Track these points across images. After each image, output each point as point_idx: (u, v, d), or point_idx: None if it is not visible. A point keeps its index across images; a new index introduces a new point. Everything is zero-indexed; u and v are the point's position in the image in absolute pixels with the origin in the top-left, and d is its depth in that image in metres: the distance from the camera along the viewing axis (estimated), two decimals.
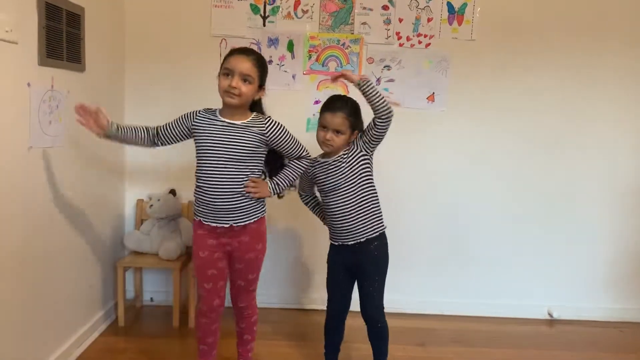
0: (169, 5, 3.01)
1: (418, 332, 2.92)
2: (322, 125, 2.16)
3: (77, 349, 2.55)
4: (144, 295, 3.23)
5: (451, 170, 3.17)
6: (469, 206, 3.21)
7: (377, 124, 2.09)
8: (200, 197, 2.05)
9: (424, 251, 3.22)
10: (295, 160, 2.17)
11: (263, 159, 2.11)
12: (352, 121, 2.14)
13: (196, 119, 2.07)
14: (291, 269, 3.26)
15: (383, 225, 2.22)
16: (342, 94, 2.50)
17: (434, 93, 3.10)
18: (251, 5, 3.02)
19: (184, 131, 2.09)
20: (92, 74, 2.58)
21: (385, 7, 3.04)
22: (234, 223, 2.04)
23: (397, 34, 3.07)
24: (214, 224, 2.05)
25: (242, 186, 2.02)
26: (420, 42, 3.07)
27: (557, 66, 3.09)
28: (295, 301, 3.27)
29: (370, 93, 2.06)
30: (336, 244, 2.25)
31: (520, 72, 3.10)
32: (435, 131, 3.14)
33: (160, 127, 2.13)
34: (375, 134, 2.12)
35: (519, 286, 3.26)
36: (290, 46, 3.06)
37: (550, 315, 3.27)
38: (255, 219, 2.10)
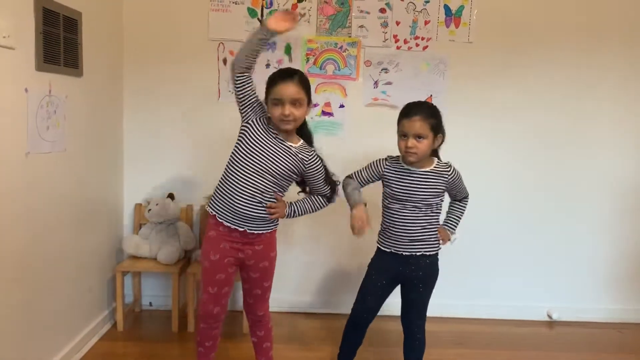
0: (166, 9, 3.02)
1: None
2: (402, 135, 2.09)
3: (77, 354, 2.54)
4: (142, 299, 3.23)
5: None
6: (468, 208, 3.19)
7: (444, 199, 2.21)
8: (224, 196, 2.03)
9: None
10: (318, 196, 2.20)
11: (295, 181, 2.15)
12: (432, 123, 2.05)
13: (256, 115, 2.05)
14: (299, 272, 3.26)
15: (439, 247, 2.23)
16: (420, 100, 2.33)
17: (431, 95, 3.11)
18: (248, 9, 3.03)
19: (253, 101, 2.03)
20: (90, 79, 2.58)
21: (382, 10, 3.05)
22: (248, 230, 2.04)
23: (395, 36, 3.07)
24: (229, 225, 2.03)
25: (266, 200, 2.03)
26: (417, 45, 3.07)
27: (555, 67, 3.10)
28: (303, 305, 3.27)
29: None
30: (387, 250, 2.20)
31: (518, 74, 3.10)
32: None
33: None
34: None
35: (518, 288, 3.26)
36: (288, 49, 3.07)
37: (549, 316, 3.27)
38: (270, 230, 2.11)
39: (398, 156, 2.20)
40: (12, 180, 1.99)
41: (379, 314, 2.29)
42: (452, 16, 3.06)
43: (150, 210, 2.96)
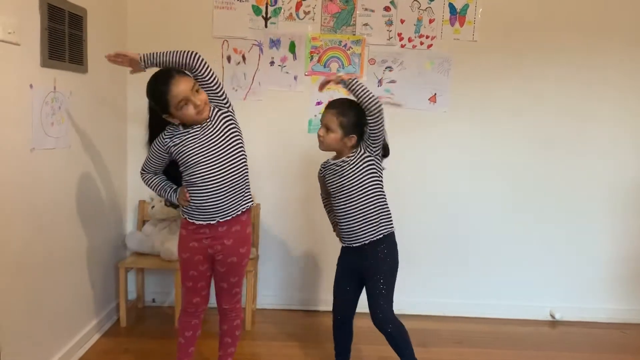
0: (170, 6, 3.02)
1: (420, 333, 2.91)
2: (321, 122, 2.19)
3: (79, 350, 2.55)
4: (145, 296, 3.24)
5: (453, 170, 3.17)
6: (470, 207, 3.20)
7: (369, 120, 2.07)
8: (192, 201, 2.04)
9: (425, 252, 3.22)
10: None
11: (241, 144, 2.06)
12: (342, 120, 2.10)
13: (166, 138, 2.05)
14: (298, 270, 3.27)
15: (390, 228, 2.20)
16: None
17: (435, 94, 3.10)
18: (253, 6, 3.03)
19: (163, 157, 2.08)
20: (94, 75, 2.59)
21: (387, 9, 3.05)
22: (221, 219, 2.04)
23: (399, 35, 3.07)
24: (200, 222, 2.05)
25: (229, 179, 2.01)
26: (422, 43, 3.07)
27: (559, 66, 3.09)
28: (302, 302, 3.27)
29: (356, 89, 2.04)
30: (343, 245, 2.27)
31: (522, 73, 3.09)
32: (437, 132, 3.14)
33: (144, 165, 2.15)
34: (370, 132, 2.10)
35: (521, 287, 3.25)
36: (292, 47, 3.07)
37: (552, 316, 3.26)
38: (242, 210, 2.07)
39: (328, 159, 2.27)
40: (17, 176, 2.00)
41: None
42: (456, 15, 3.05)
43: (153, 207, 2.97)
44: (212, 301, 2.24)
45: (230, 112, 2.08)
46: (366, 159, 2.14)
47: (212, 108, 2.03)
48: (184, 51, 2.01)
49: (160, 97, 1.94)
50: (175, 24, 3.03)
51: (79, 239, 2.54)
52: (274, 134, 3.11)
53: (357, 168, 2.14)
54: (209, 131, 2.01)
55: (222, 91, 2.05)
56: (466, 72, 3.08)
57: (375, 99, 2.04)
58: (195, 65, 1.99)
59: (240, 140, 2.07)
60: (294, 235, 3.23)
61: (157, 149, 2.08)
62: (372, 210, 2.15)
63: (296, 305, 3.26)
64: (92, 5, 2.51)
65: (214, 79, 2.03)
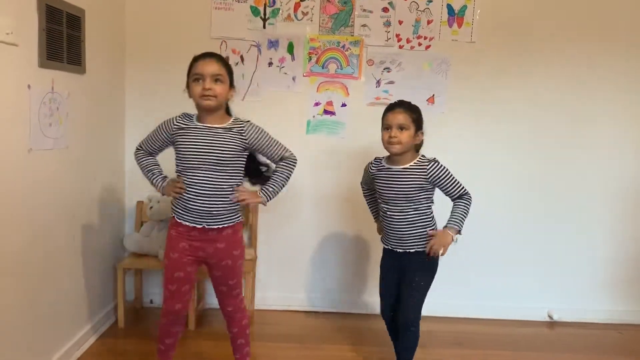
0: (169, 7, 3.02)
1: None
2: (386, 127, 2.17)
3: (77, 351, 2.55)
4: (143, 297, 3.23)
5: (451, 171, 3.16)
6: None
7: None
8: (179, 197, 2.04)
9: None
10: (280, 164, 2.15)
11: (243, 163, 2.10)
12: (414, 117, 2.15)
13: (175, 124, 2.07)
14: (297, 271, 3.26)
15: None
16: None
17: (434, 95, 3.10)
18: (251, 7, 3.03)
19: (165, 140, 2.11)
20: (92, 76, 2.58)
21: (385, 10, 3.05)
22: (207, 225, 2.03)
23: (397, 36, 3.07)
24: (188, 224, 2.04)
25: (221, 193, 2.01)
26: (420, 44, 3.07)
27: (558, 67, 3.09)
28: (301, 303, 3.27)
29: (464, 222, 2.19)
30: (387, 247, 2.28)
31: (520, 74, 3.10)
32: (436, 133, 3.10)
33: (143, 142, 2.18)
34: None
35: (519, 288, 3.25)
36: (291, 48, 3.07)
37: (550, 317, 3.26)
38: (231, 224, 2.08)
39: (383, 157, 2.27)
40: (14, 177, 2.00)
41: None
42: (454, 16, 3.06)
43: (152, 207, 2.96)
44: (215, 302, 2.22)
45: (249, 146, 2.07)
46: (427, 189, 2.19)
47: (246, 129, 2.05)
48: (292, 168, 2.17)
49: (191, 62, 2.05)
50: (173, 25, 3.02)
51: (76, 240, 2.53)
52: (272, 134, 3.09)
53: (415, 184, 2.16)
54: (221, 140, 2.01)
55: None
56: (464, 73, 3.08)
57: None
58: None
59: (241, 166, 2.08)
60: (293, 236, 3.23)
61: (164, 129, 2.10)
62: (421, 223, 2.19)
63: (295, 306, 3.26)
64: (90, 6, 2.51)
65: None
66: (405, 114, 2.14)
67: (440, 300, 3.25)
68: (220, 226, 2.05)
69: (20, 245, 2.06)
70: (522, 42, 3.07)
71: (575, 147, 3.16)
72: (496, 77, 3.10)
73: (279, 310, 3.24)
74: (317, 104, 3.08)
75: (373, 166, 2.29)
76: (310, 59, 3.08)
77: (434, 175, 2.16)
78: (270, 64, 3.07)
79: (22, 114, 2.03)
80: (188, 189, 2.02)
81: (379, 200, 2.27)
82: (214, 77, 1.98)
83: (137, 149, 2.20)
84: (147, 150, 2.17)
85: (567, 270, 3.25)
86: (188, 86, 2.05)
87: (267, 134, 2.11)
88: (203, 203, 2.01)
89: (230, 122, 2.07)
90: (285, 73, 3.08)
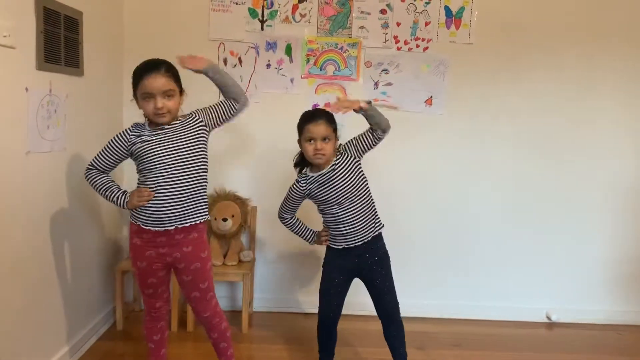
0: (167, 9, 3.02)
1: (417, 335, 2.91)
2: (308, 139, 2.16)
3: (76, 353, 2.55)
4: (142, 299, 3.22)
5: (449, 173, 3.18)
6: (467, 209, 3.21)
7: (379, 136, 2.17)
8: (147, 207, 1.99)
9: (422, 254, 3.23)
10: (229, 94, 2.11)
11: (205, 151, 2.06)
12: (334, 127, 2.20)
13: (131, 135, 2.03)
14: (294, 272, 3.27)
15: (382, 224, 2.28)
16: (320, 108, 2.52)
17: (432, 96, 3.11)
18: (249, 9, 3.03)
19: (121, 154, 2.05)
20: (90, 78, 2.58)
21: (383, 11, 3.05)
22: (179, 224, 2.00)
23: (395, 37, 3.07)
24: (158, 229, 1.99)
25: (191, 184, 2.00)
26: (418, 46, 3.08)
27: (555, 69, 3.10)
28: (298, 305, 3.27)
29: (374, 114, 2.14)
30: (339, 247, 2.25)
31: (518, 75, 3.10)
32: (434, 134, 3.15)
33: (94, 160, 2.08)
34: (371, 144, 2.20)
35: (517, 289, 3.26)
36: (289, 50, 3.07)
37: (549, 318, 3.27)
38: (201, 220, 2.05)
39: (305, 173, 2.26)
40: (12, 179, 2.00)
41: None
42: (452, 17, 3.06)
43: None
44: None
45: (205, 127, 2.06)
46: (356, 162, 2.22)
47: (195, 115, 2.06)
48: (244, 91, 2.15)
49: (136, 78, 1.97)
50: (171, 27, 3.03)
51: (75, 242, 2.54)
52: (270, 136, 3.10)
53: (351, 171, 2.19)
54: (180, 135, 2.00)
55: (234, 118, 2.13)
56: (462, 74, 3.09)
57: (388, 120, 2.18)
58: (238, 107, 2.10)
59: (205, 155, 2.06)
60: (290, 238, 3.21)
61: (118, 144, 2.03)
62: (369, 208, 2.23)
63: (293, 307, 3.26)
64: (88, 9, 2.51)
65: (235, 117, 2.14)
66: (326, 125, 2.16)
67: (438, 302, 3.26)
68: (193, 223, 2.02)
69: (18, 247, 2.06)
70: (520, 44, 3.07)
71: (574, 148, 3.16)
72: (494, 78, 3.10)
73: (278, 312, 3.24)
74: (315, 106, 3.08)
75: (302, 185, 2.24)
76: (308, 60, 3.08)
77: (352, 148, 2.21)
78: (268, 65, 3.07)
79: (20, 116, 2.03)
80: (156, 194, 1.97)
81: (325, 210, 2.24)
82: (165, 94, 1.94)
83: (88, 168, 2.09)
84: (100, 168, 2.08)
85: (565, 271, 3.25)
86: (136, 99, 1.99)
87: (212, 106, 2.11)
88: (175, 203, 1.98)
89: (180, 117, 2.06)
90: (283, 75, 3.09)
